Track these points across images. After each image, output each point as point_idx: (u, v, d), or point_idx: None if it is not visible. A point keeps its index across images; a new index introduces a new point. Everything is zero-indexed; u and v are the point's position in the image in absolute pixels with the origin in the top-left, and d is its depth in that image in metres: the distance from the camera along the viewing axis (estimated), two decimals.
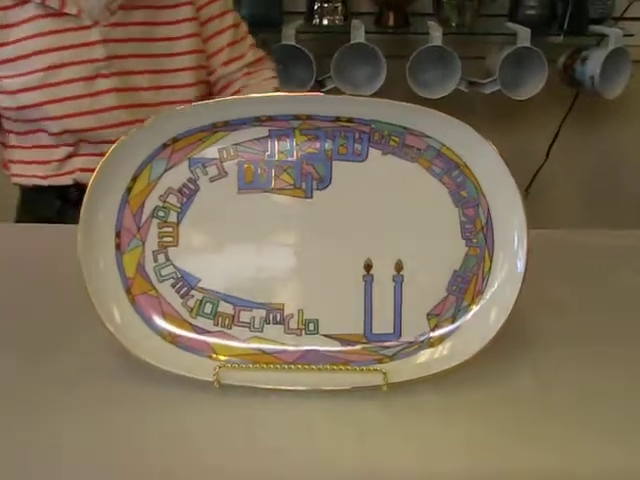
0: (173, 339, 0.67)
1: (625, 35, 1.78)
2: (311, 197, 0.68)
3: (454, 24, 1.81)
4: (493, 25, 1.85)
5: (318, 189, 0.67)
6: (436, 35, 1.73)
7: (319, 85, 1.80)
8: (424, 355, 0.66)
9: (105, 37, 1.23)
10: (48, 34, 1.21)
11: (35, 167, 1.29)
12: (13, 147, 1.32)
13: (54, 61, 1.21)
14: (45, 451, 0.58)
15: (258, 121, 0.67)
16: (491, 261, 0.66)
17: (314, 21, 1.82)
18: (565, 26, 1.79)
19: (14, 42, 1.21)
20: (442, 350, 0.66)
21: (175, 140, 0.67)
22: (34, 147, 1.29)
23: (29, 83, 1.21)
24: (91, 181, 0.65)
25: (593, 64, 1.78)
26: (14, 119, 1.28)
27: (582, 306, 0.80)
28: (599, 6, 1.81)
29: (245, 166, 0.67)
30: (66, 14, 1.21)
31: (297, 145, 0.67)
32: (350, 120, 0.67)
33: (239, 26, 1.37)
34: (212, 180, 0.68)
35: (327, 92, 1.75)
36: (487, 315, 0.65)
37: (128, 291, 0.67)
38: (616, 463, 0.58)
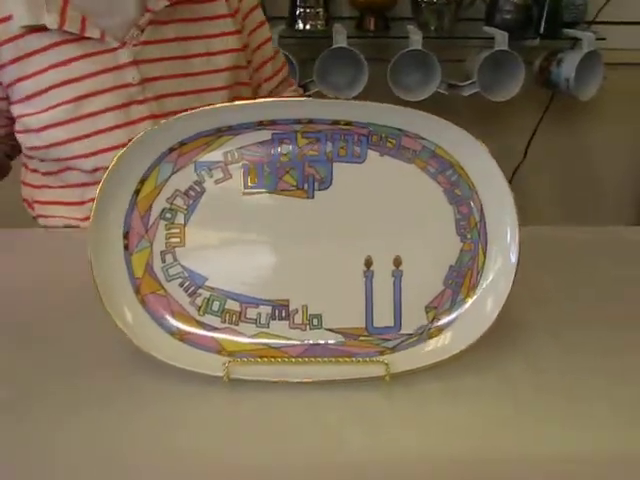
0: (182, 336, 0.69)
1: (598, 39, 1.83)
2: (313, 197, 0.70)
3: (433, 28, 1.85)
4: (471, 29, 1.89)
5: (320, 190, 0.70)
6: (416, 39, 1.77)
7: (302, 89, 1.83)
8: (424, 346, 0.70)
9: (136, 58, 1.08)
10: (70, 62, 1.06)
11: (68, 209, 1.14)
12: (39, 187, 1.17)
13: (80, 92, 1.06)
14: (67, 445, 0.60)
15: (261, 125, 0.70)
16: (485, 255, 0.70)
17: (296, 26, 1.85)
18: (541, 30, 1.84)
19: (33, 75, 1.06)
20: (441, 341, 0.69)
21: (182, 144, 0.70)
22: (65, 187, 1.14)
23: (54, 119, 1.07)
24: (100, 185, 0.68)
25: (568, 67, 1.83)
26: (41, 159, 1.14)
27: (568, 297, 0.83)
28: (572, 10, 1.86)
29: (249, 168, 0.70)
30: (88, 38, 1.05)
31: (299, 148, 0.70)
32: (349, 123, 0.70)
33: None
34: (217, 182, 0.70)
35: (310, 96, 1.78)
36: (483, 306, 0.69)
37: (137, 291, 0.69)
38: (611, 443, 0.61)
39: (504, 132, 2.05)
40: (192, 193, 0.70)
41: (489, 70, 1.84)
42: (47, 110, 1.07)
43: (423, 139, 0.70)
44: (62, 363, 0.70)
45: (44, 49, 1.05)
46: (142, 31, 1.08)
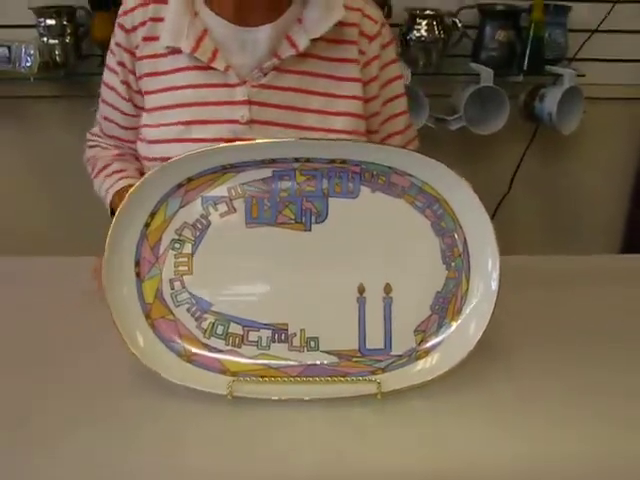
0: (189, 358, 0.76)
1: (578, 75, 1.92)
2: (310, 230, 0.78)
3: (421, 64, 1.93)
4: (458, 65, 1.98)
5: (316, 223, 0.78)
6: (405, 75, 1.86)
7: None
8: (412, 367, 0.76)
9: (250, 98, 1.10)
10: (192, 87, 1.11)
11: None
12: None
13: (194, 116, 1.11)
14: (81, 458, 0.66)
15: (263, 163, 0.77)
16: (468, 283, 0.77)
17: None
18: (524, 66, 1.93)
19: (159, 91, 1.13)
20: (428, 362, 0.76)
21: (189, 180, 0.77)
22: None
23: (166, 135, 1.12)
24: (115, 218, 0.74)
25: (550, 101, 1.92)
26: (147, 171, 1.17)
27: (549, 322, 0.90)
28: (554, 48, 1.95)
29: (252, 203, 0.77)
30: (213, 69, 1.09)
31: (297, 184, 0.77)
32: (343, 162, 0.77)
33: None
34: (222, 216, 0.77)
35: None
36: (467, 329, 0.76)
37: (148, 315, 0.76)
38: (591, 454, 0.68)
39: (490, 164, 2.13)
40: (199, 225, 0.77)
41: (475, 105, 1.92)
42: (162, 126, 1.12)
43: (411, 176, 0.77)
44: (78, 381, 0.77)
45: (174, 71, 1.11)
46: (265, 74, 1.10)
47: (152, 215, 0.77)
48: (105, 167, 1.22)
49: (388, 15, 1.92)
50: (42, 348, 0.84)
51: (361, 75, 1.13)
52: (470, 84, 1.91)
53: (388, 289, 0.78)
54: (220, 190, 0.77)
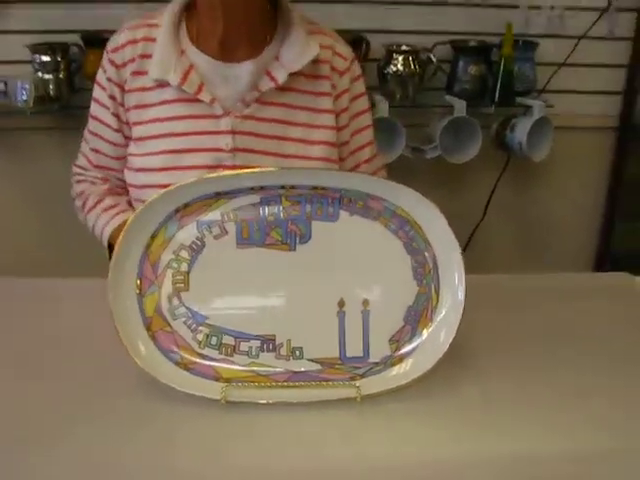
0: (186, 366, 0.84)
1: (547, 106, 2.04)
2: (295, 250, 0.86)
3: (398, 97, 2.04)
4: (433, 98, 2.09)
5: (301, 243, 0.86)
6: (383, 107, 1.96)
7: None
8: (388, 372, 0.85)
9: (234, 128, 1.18)
10: (179, 118, 1.19)
11: None
12: None
13: (180, 146, 1.19)
14: (89, 457, 0.74)
15: (252, 190, 0.86)
16: (438, 296, 0.86)
17: None
18: (495, 98, 2.04)
19: (147, 122, 1.21)
20: (402, 368, 0.85)
21: (186, 206, 0.85)
22: None
23: (152, 164, 1.20)
24: (119, 240, 0.83)
25: (520, 131, 2.03)
26: (135, 198, 1.26)
27: (516, 333, 0.99)
28: (524, 81, 2.06)
29: (242, 226, 0.86)
30: (200, 101, 1.18)
31: (283, 209, 0.86)
32: (324, 188, 0.86)
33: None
34: (216, 238, 0.86)
35: None
36: (437, 337, 0.84)
37: (148, 328, 0.84)
38: (544, 446, 0.76)
39: (465, 192, 2.23)
40: (194, 246, 0.86)
41: (450, 135, 2.03)
42: (149, 155, 1.20)
43: (385, 201, 0.86)
44: (85, 387, 0.84)
45: (161, 103, 1.20)
46: (247, 106, 1.19)
47: (153, 237, 0.85)
48: (98, 203, 1.30)
49: (366, 51, 2.03)
50: (55, 360, 0.91)
51: (333, 107, 1.23)
52: (445, 115, 2.02)
53: (365, 303, 0.86)
54: (214, 215, 0.86)
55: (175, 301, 0.85)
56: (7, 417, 0.79)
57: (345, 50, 1.26)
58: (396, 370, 0.85)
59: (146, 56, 1.20)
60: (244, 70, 1.18)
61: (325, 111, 1.22)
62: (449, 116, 2.00)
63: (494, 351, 0.93)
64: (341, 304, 0.86)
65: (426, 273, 0.86)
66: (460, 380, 0.86)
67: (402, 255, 0.87)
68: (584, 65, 2.15)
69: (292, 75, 1.18)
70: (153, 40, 1.19)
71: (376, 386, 0.83)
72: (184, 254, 0.86)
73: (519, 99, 2.06)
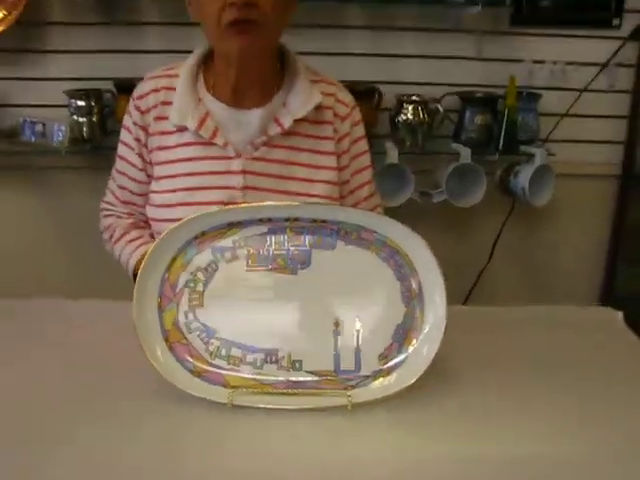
0: (198, 374, 0.96)
1: (549, 154, 2.17)
2: (297, 274, 0.99)
3: (408, 144, 2.17)
4: (440, 145, 2.22)
5: (302, 269, 0.99)
6: (393, 154, 2.10)
7: None
8: (377, 384, 0.96)
9: (245, 169, 1.32)
10: (196, 159, 1.33)
11: None
12: None
13: (196, 184, 1.32)
14: (108, 453, 0.86)
15: (261, 222, 0.99)
16: (422, 316, 0.97)
17: None
18: (500, 146, 2.17)
19: (167, 162, 1.35)
20: (389, 380, 0.96)
21: (203, 234, 0.98)
22: None
23: (171, 200, 1.33)
24: (143, 262, 0.96)
25: (523, 178, 2.15)
26: (156, 231, 1.39)
27: (497, 356, 1.10)
28: (527, 130, 2.19)
29: (251, 253, 0.99)
30: (214, 144, 1.31)
31: (288, 238, 0.99)
32: (324, 221, 0.99)
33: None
34: (228, 262, 0.99)
35: None
36: (421, 353, 0.96)
37: (166, 339, 0.97)
38: (515, 449, 0.87)
39: (471, 235, 2.35)
40: (209, 269, 0.98)
41: (456, 180, 2.16)
42: (168, 192, 1.34)
43: (376, 233, 0.99)
44: (110, 389, 0.97)
45: (180, 145, 1.34)
46: (257, 149, 1.33)
47: (173, 260, 0.98)
48: (124, 235, 1.45)
49: (379, 101, 2.18)
50: (77, 371, 1.03)
51: (335, 149, 1.37)
52: (451, 162, 2.15)
53: (358, 323, 0.98)
54: (226, 242, 0.99)
55: (190, 316, 0.98)
56: (24, 419, 0.92)
57: (347, 97, 1.41)
58: (383, 382, 0.96)
59: (167, 103, 1.35)
60: (254, 117, 1.32)
61: (327, 153, 1.36)
62: (455, 163, 2.13)
63: (474, 369, 1.04)
64: (336, 324, 0.98)
65: (413, 296, 0.98)
66: (440, 393, 0.97)
67: (392, 280, 0.99)
68: (586, 116, 2.28)
69: (297, 121, 1.32)
70: (173, 89, 1.35)
71: (365, 396, 0.94)
72: (200, 275, 0.98)
73: (522, 147, 2.18)
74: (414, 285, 0.98)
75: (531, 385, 1.02)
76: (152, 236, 1.43)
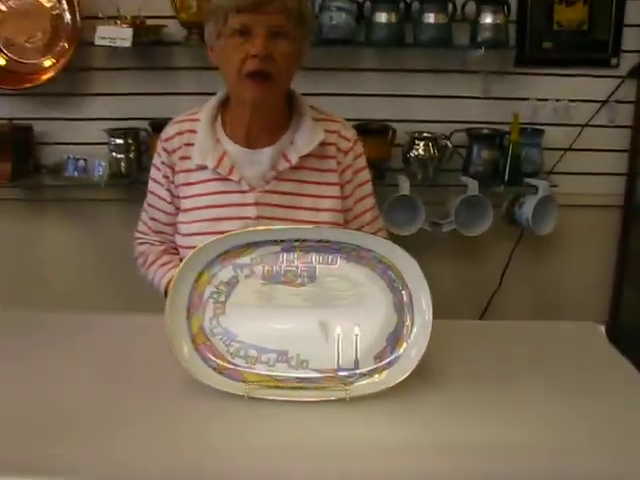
0: (220, 371, 1.14)
1: (552, 186, 2.33)
2: (305, 286, 1.17)
3: (419, 177, 2.36)
4: (450, 178, 2.40)
5: (309, 282, 1.17)
6: (405, 186, 2.28)
7: None
8: (371, 380, 1.13)
9: (258, 201, 1.51)
10: (215, 194, 1.53)
11: None
12: None
13: (215, 215, 1.52)
14: (142, 442, 1.04)
15: (274, 242, 1.17)
16: (412, 322, 1.14)
17: None
18: (505, 179, 2.34)
19: (191, 196, 1.56)
20: (383, 377, 1.13)
21: (226, 252, 1.17)
22: None
23: (197, 229, 1.53)
24: (175, 276, 1.15)
25: (527, 208, 2.32)
26: (183, 257, 1.56)
27: (480, 361, 1.26)
28: (531, 163, 2.36)
29: (266, 269, 1.17)
30: (230, 180, 1.51)
31: (297, 256, 1.17)
32: (327, 242, 1.17)
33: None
34: (246, 277, 1.17)
35: None
36: (410, 353, 1.12)
37: (193, 341, 1.15)
38: (495, 435, 1.03)
39: (481, 261, 2.51)
40: (230, 282, 1.17)
41: (464, 211, 2.33)
42: (193, 222, 1.55)
43: (373, 252, 1.16)
44: (146, 385, 1.15)
45: (202, 181, 1.55)
46: (268, 183, 1.53)
47: (200, 275, 1.17)
48: (156, 260, 1.65)
49: (392, 137, 2.37)
50: (120, 376, 1.22)
51: (339, 180, 1.56)
52: (460, 194, 2.33)
53: (357, 329, 1.15)
54: (245, 259, 1.17)
55: (214, 322, 1.16)
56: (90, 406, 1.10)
57: (349, 133, 1.60)
58: (377, 379, 1.13)
59: (190, 144, 1.56)
60: (265, 155, 1.53)
61: (331, 184, 1.56)
62: (463, 194, 2.31)
63: (455, 372, 1.20)
64: (338, 329, 1.15)
65: (404, 306, 1.15)
66: (428, 390, 1.14)
67: (385, 292, 1.16)
68: (588, 150, 2.46)
69: (303, 156, 1.52)
70: (195, 132, 1.56)
71: (362, 390, 1.11)
72: (223, 288, 1.17)
73: (526, 180, 2.35)
74: (405, 296, 1.16)
75: (513, 382, 1.18)
76: (181, 260, 1.62)
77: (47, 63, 2.29)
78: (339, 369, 1.14)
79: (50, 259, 2.45)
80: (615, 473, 0.96)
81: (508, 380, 1.19)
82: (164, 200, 1.61)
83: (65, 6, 2.24)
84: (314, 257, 1.17)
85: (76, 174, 2.29)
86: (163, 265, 1.61)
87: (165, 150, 1.58)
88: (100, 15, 2.21)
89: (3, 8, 2.27)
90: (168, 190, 1.60)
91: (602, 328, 1.45)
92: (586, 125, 2.43)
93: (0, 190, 2.33)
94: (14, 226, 2.42)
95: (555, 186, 2.36)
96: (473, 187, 2.31)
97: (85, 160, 2.28)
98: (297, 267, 1.17)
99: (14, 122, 2.30)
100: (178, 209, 1.60)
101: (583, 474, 0.95)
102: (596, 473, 0.95)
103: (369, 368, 1.14)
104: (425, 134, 2.36)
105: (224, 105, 1.57)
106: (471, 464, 0.97)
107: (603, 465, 0.97)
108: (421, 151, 2.35)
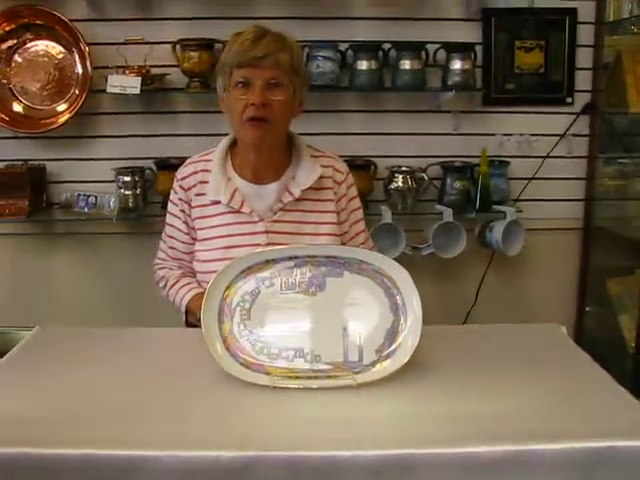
0: (247, 366, 1.37)
1: (518, 211, 2.62)
2: (316, 295, 1.41)
3: (400, 207, 2.62)
4: (427, 207, 2.67)
5: (319, 291, 1.42)
6: (387, 215, 2.55)
7: None
8: (375, 369, 1.37)
9: (267, 229, 1.76)
10: (229, 225, 1.77)
11: None
12: None
13: (228, 243, 1.76)
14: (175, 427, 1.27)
15: (290, 258, 1.42)
16: (406, 321, 1.39)
17: None
18: (476, 207, 2.62)
19: (207, 228, 1.80)
20: (383, 366, 1.37)
21: (248, 268, 1.41)
22: None
23: (213, 256, 1.77)
24: (207, 291, 1.39)
25: (497, 232, 2.59)
26: (200, 280, 1.84)
27: (464, 356, 1.50)
28: (499, 192, 2.64)
29: (283, 281, 1.42)
30: (242, 212, 1.76)
31: (309, 270, 1.42)
32: (335, 257, 1.42)
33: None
34: (267, 287, 1.42)
35: None
36: (406, 344, 1.37)
37: (224, 341, 1.38)
38: (481, 408, 1.27)
39: (457, 281, 2.77)
40: (254, 293, 1.41)
41: (441, 236, 2.60)
42: (210, 250, 1.79)
43: (371, 264, 1.42)
44: (183, 381, 1.38)
45: (216, 215, 1.79)
46: (275, 214, 1.78)
47: (227, 288, 1.41)
48: (176, 282, 1.89)
49: (374, 172, 2.64)
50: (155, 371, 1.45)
51: (336, 208, 1.82)
52: (436, 221, 2.60)
53: (360, 328, 1.40)
54: (265, 274, 1.42)
55: (241, 326, 1.40)
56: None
57: (342, 166, 1.89)
58: (379, 368, 1.37)
59: (204, 182, 1.82)
60: (271, 190, 1.79)
61: (329, 212, 1.83)
62: (439, 221, 2.59)
63: (446, 362, 1.45)
64: (345, 329, 1.40)
65: (398, 308, 1.40)
66: (420, 376, 1.38)
67: (382, 297, 1.41)
68: (549, 179, 2.75)
69: (304, 190, 1.78)
70: (208, 171, 1.82)
71: (367, 378, 1.36)
72: (247, 297, 1.41)
73: (495, 207, 2.63)
74: (399, 300, 1.41)
75: (491, 369, 1.43)
76: (199, 283, 1.86)
77: (60, 109, 2.54)
78: (347, 361, 1.38)
79: (62, 287, 2.66)
80: (572, 429, 1.20)
81: (486, 368, 1.44)
82: (181, 231, 1.86)
83: (77, 58, 2.50)
84: (323, 270, 1.42)
85: (86, 210, 2.52)
86: (183, 287, 1.85)
87: (182, 187, 1.83)
88: (109, 65, 2.46)
89: (19, 60, 2.52)
90: (185, 223, 1.85)
91: (564, 328, 1.71)
92: (547, 157, 2.73)
93: (18, 225, 2.55)
94: (30, 258, 2.64)
95: (521, 212, 2.65)
96: (448, 214, 2.58)
97: (96, 197, 2.50)
98: (309, 279, 1.42)
99: (29, 163, 2.53)
100: (194, 239, 1.85)
101: (547, 433, 1.20)
102: (555, 430, 1.19)
103: (372, 359, 1.39)
104: (403, 168, 2.64)
105: (232, 147, 1.83)
106: (459, 429, 1.20)
107: (563, 425, 1.21)
108: (400, 183, 2.62)
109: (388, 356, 1.39)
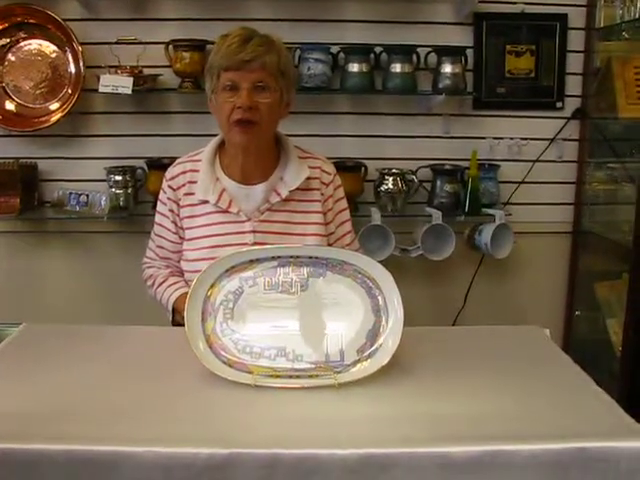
0: (230, 364, 1.39)
1: (507, 214, 2.63)
2: (298, 294, 1.43)
3: (389, 209, 2.64)
4: (416, 209, 2.69)
5: (301, 291, 1.43)
6: (377, 217, 2.56)
7: None
8: (355, 369, 1.39)
9: (254, 229, 1.78)
10: (216, 224, 1.79)
11: None
12: None
13: (216, 243, 1.78)
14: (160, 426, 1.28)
15: (273, 258, 1.43)
16: (387, 322, 1.40)
17: None
18: (466, 209, 2.64)
19: (195, 227, 1.82)
20: (364, 366, 1.38)
21: (232, 267, 1.43)
22: None
23: (200, 255, 1.79)
24: (190, 290, 1.40)
25: (486, 235, 2.61)
26: (187, 279, 1.85)
27: (444, 356, 1.52)
28: (488, 195, 2.66)
29: (266, 280, 1.43)
30: (230, 212, 1.78)
31: (292, 270, 1.43)
32: (317, 257, 1.43)
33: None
34: (250, 287, 1.43)
35: None
36: (387, 345, 1.39)
37: (207, 340, 1.40)
38: (455, 408, 1.28)
39: (446, 283, 2.79)
40: (237, 292, 1.43)
41: (430, 238, 2.61)
42: (197, 249, 1.81)
43: (353, 265, 1.43)
44: (166, 379, 1.39)
45: (204, 214, 1.81)
46: (262, 213, 1.80)
47: (211, 287, 1.42)
48: (164, 281, 1.91)
49: (365, 174, 2.65)
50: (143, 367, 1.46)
51: (322, 208, 1.84)
52: (425, 223, 2.62)
53: (341, 328, 1.41)
54: (249, 273, 1.43)
55: (224, 325, 1.41)
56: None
57: (329, 168, 1.90)
58: (360, 368, 1.39)
59: (193, 182, 1.84)
60: (259, 190, 1.81)
61: (316, 212, 1.85)
62: (429, 223, 2.60)
63: (427, 363, 1.46)
64: (326, 329, 1.41)
65: (380, 309, 1.42)
66: (401, 375, 1.40)
67: (364, 298, 1.43)
68: (539, 182, 2.77)
69: (292, 190, 1.80)
70: (197, 171, 1.84)
71: (347, 378, 1.37)
72: (230, 297, 1.42)
73: (485, 210, 2.65)
74: (380, 300, 1.42)
75: (472, 369, 1.44)
76: (186, 282, 1.88)
77: (52, 107, 2.55)
78: (328, 361, 1.40)
79: (53, 285, 2.67)
80: (549, 430, 1.21)
81: (466, 369, 1.45)
82: (170, 231, 1.87)
83: (70, 57, 2.51)
84: (306, 270, 1.44)
85: (78, 208, 2.54)
86: (170, 286, 1.87)
87: (170, 187, 1.85)
88: (102, 65, 2.48)
89: (12, 58, 2.53)
90: (174, 222, 1.86)
91: (547, 331, 1.73)
92: (537, 161, 2.75)
93: (9, 223, 2.57)
94: (21, 256, 2.65)
95: (510, 215, 2.67)
96: (437, 217, 2.60)
97: (87, 195, 2.52)
98: (292, 279, 1.43)
99: (20, 161, 2.54)
100: (182, 238, 1.86)
101: (524, 434, 1.21)
102: (531, 431, 1.21)
103: (353, 359, 1.40)
104: (394, 170, 2.65)
105: (221, 147, 1.85)
106: (437, 429, 1.22)
107: (540, 425, 1.23)
108: (390, 185, 2.64)
109: (369, 356, 1.40)
